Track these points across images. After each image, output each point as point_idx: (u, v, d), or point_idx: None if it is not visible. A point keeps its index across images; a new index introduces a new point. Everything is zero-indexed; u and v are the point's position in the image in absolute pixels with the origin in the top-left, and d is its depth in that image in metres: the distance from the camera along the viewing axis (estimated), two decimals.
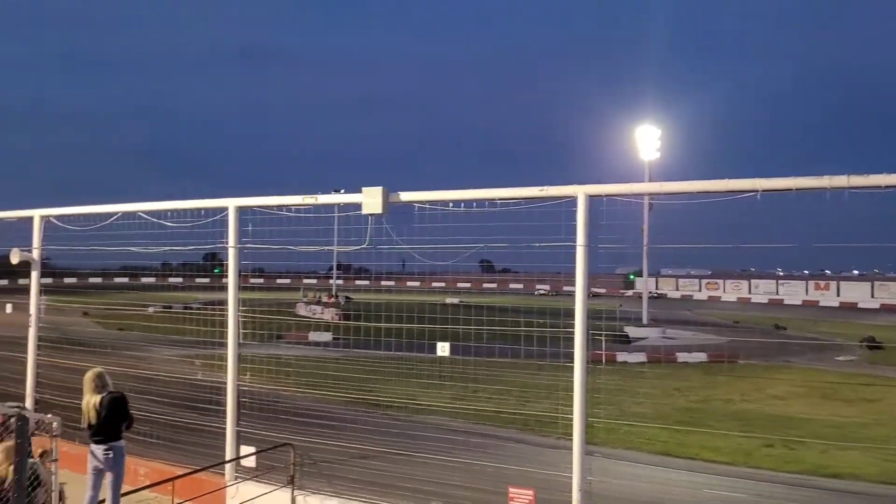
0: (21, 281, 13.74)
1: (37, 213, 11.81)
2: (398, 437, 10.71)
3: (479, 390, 11.92)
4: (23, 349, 12.66)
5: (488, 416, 12.19)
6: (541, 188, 7.84)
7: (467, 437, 11.47)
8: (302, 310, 38.08)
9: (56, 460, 6.70)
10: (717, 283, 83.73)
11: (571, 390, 7.45)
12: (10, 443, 7.55)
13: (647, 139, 49.69)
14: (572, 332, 7.55)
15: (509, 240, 8.53)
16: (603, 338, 8.76)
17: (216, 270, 13.73)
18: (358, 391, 12.30)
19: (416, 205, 8.93)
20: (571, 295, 7.58)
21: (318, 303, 40.14)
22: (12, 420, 7.52)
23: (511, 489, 7.77)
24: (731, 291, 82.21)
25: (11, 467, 6.47)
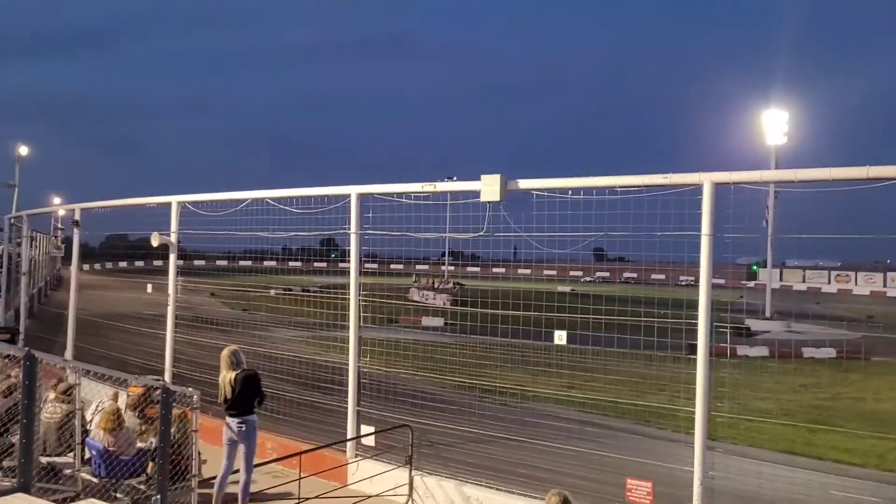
0: (155, 263, 14.68)
1: (174, 200, 12.61)
2: (512, 424, 10.75)
3: (593, 379, 11.80)
4: (160, 327, 13.59)
5: (602, 406, 12.03)
6: (664, 176, 7.66)
7: (582, 426, 11.35)
8: (415, 295, 38.79)
9: (196, 431, 7.19)
10: (847, 276, 78.65)
11: (692, 383, 7.27)
12: (111, 406, 8.14)
13: (774, 124, 46.96)
14: (693, 324, 7.36)
15: (629, 228, 8.39)
16: (729, 330, 8.47)
17: (333, 255, 14.18)
18: (471, 376, 12.42)
19: (535, 192, 8.93)
20: (688, 285, 7.39)
21: (431, 288, 40.72)
22: (155, 391, 8.15)
23: (629, 480, 7.69)
24: (863, 284, 77.03)
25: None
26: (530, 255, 10.65)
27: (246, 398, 7.79)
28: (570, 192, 8.55)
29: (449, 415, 11.06)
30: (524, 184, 8.96)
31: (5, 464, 6.58)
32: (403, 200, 10.25)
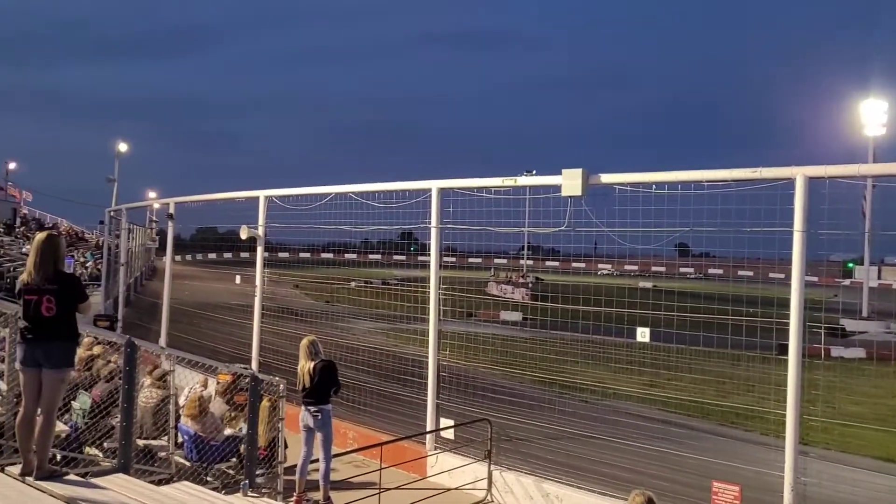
0: (242, 254, 15.13)
1: (262, 194, 12.99)
2: (591, 421, 10.61)
3: (677, 378, 11.51)
4: (247, 316, 14.02)
5: (686, 406, 11.72)
6: (754, 170, 7.40)
7: (664, 426, 11.09)
8: (493, 289, 38.66)
9: (282, 419, 7.40)
10: None
11: (784, 384, 7.01)
12: (194, 394, 8.39)
13: (873, 114, 44.45)
14: (785, 323, 7.09)
15: (717, 224, 8.14)
16: (822, 330, 8.11)
17: (412, 249, 14.29)
18: (550, 372, 12.31)
19: (617, 187, 8.77)
20: (778, 283, 7.11)
21: (510, 282, 40.55)
22: (243, 379, 8.40)
23: (715, 483, 7.48)
24: None
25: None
26: (611, 250, 10.46)
27: (323, 387, 7.95)
28: (654, 187, 8.37)
29: (528, 410, 11.01)
30: (606, 178, 8.82)
31: (106, 445, 6.93)
32: (483, 195, 10.24)
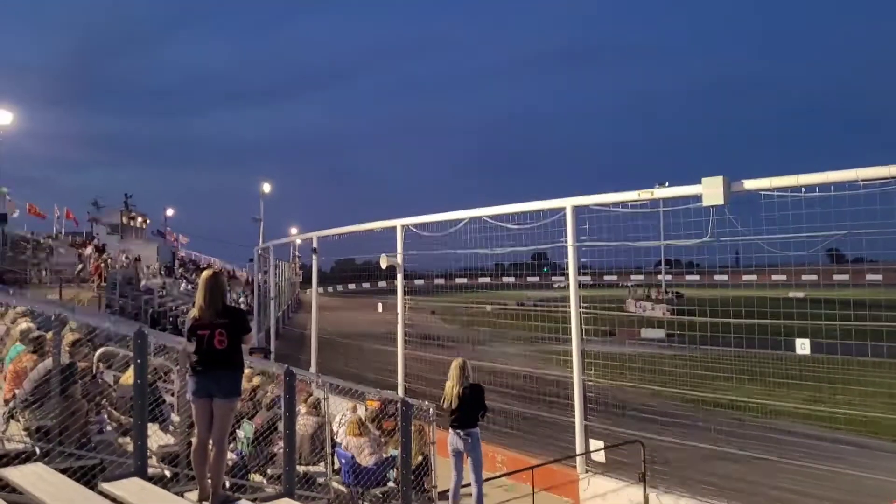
0: (380, 283, 15.55)
1: (399, 223, 13.37)
2: (750, 440, 10.05)
3: (842, 392, 10.73)
4: (388, 343, 14.37)
5: (855, 422, 10.88)
6: None
7: (828, 443, 10.34)
8: (631, 306, 37.64)
9: (433, 443, 7.50)
10: None
11: None
12: (354, 416, 8.57)
13: None
14: None
15: (873, 226, 7.57)
16: None
17: (544, 270, 14.17)
18: (700, 389, 11.81)
19: (763, 192, 8.36)
20: None
21: (648, 299, 39.37)
22: (391, 405, 8.59)
23: None
24: None
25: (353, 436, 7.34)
26: (756, 259, 9.95)
27: (471, 411, 7.98)
28: (803, 190, 7.91)
29: (679, 430, 10.59)
30: (750, 184, 8.43)
31: (269, 471, 7.29)
32: (619, 210, 10.05)
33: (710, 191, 8.61)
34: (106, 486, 4.53)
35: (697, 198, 8.87)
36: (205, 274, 5.33)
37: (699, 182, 8.78)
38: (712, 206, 8.71)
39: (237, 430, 7.66)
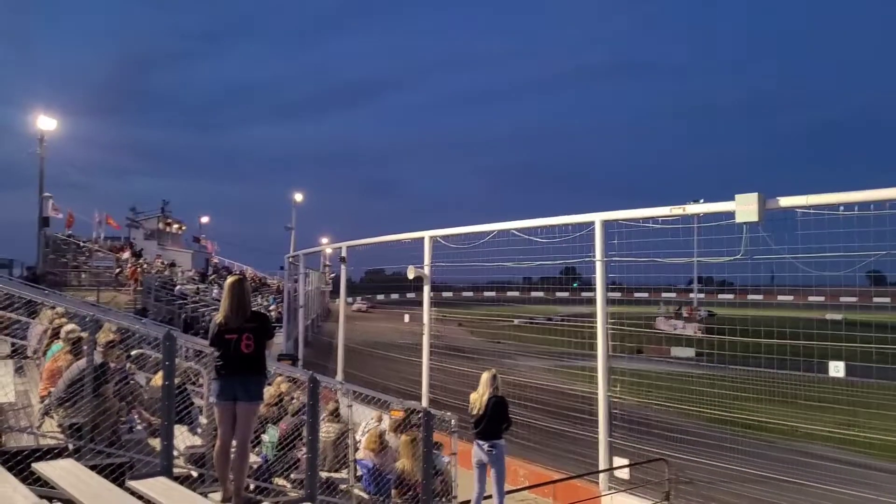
0: (408, 295, 15.58)
1: (427, 234, 13.42)
2: (779, 462, 9.87)
3: (878, 417, 10.51)
4: (414, 354, 14.39)
5: (886, 447, 10.63)
6: None
7: (862, 469, 10.11)
8: (662, 324, 37.18)
9: (454, 454, 7.49)
10: None
11: None
12: (374, 429, 8.58)
13: None
14: None
15: None
16: None
17: (574, 284, 14.10)
18: (729, 410, 11.63)
19: (799, 210, 8.25)
20: None
21: (679, 316, 38.93)
22: (413, 415, 8.60)
23: None
24: None
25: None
26: (791, 279, 9.79)
27: (495, 423, 7.95)
28: (841, 208, 7.79)
29: (706, 450, 10.44)
30: (786, 201, 8.33)
31: (293, 476, 7.34)
32: (650, 226, 9.98)
33: (744, 207, 8.51)
34: (133, 484, 4.61)
35: (731, 215, 8.77)
36: (230, 280, 5.39)
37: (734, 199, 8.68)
38: (746, 224, 8.60)
39: (262, 435, 7.74)
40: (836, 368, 8.26)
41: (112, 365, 6.11)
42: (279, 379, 9.22)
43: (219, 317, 5.21)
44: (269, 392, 8.54)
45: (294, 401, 9.00)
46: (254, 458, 7.37)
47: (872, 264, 8.72)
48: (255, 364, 5.13)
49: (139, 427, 6.49)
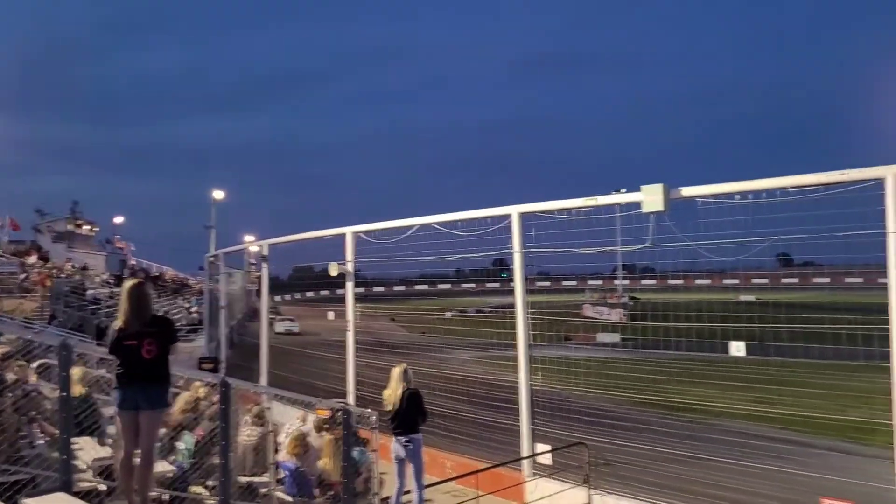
0: (338, 291, 15.49)
1: (348, 230, 13.35)
2: (695, 441, 10.26)
3: (784, 393, 11.03)
4: (344, 352, 14.33)
5: (795, 422, 11.18)
6: (841, 172, 7.11)
7: (770, 443, 10.61)
8: (589, 311, 38.09)
9: (375, 451, 7.52)
10: None
11: (889, 394, 6.64)
12: (295, 432, 8.56)
13: None
14: (886, 330, 6.72)
15: (805, 231, 7.83)
16: None
17: (502, 275, 14.30)
18: (647, 392, 12.02)
19: (700, 200, 8.58)
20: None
21: (605, 304, 39.89)
22: (339, 413, 8.59)
23: (824, 500, 7.11)
24: None
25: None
26: (708, 264, 10.17)
27: (411, 417, 8.04)
28: (737, 197, 8.15)
29: (627, 432, 10.76)
30: (688, 191, 8.64)
31: (210, 483, 7.24)
32: (565, 217, 10.19)
33: (650, 197, 8.78)
34: (28, 502, 4.47)
35: (641, 204, 9.03)
36: (128, 284, 5.24)
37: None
38: (652, 213, 8.88)
39: (177, 443, 7.60)
40: (738, 348, 8.64)
41: (10, 377, 5.90)
42: (197, 384, 9.06)
43: (117, 322, 5.06)
44: (184, 397, 8.38)
45: (213, 406, 8.86)
46: (168, 468, 7.25)
47: (774, 248, 9.14)
48: (158, 371, 5.03)
49: (40, 441, 6.29)
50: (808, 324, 9.56)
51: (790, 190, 7.70)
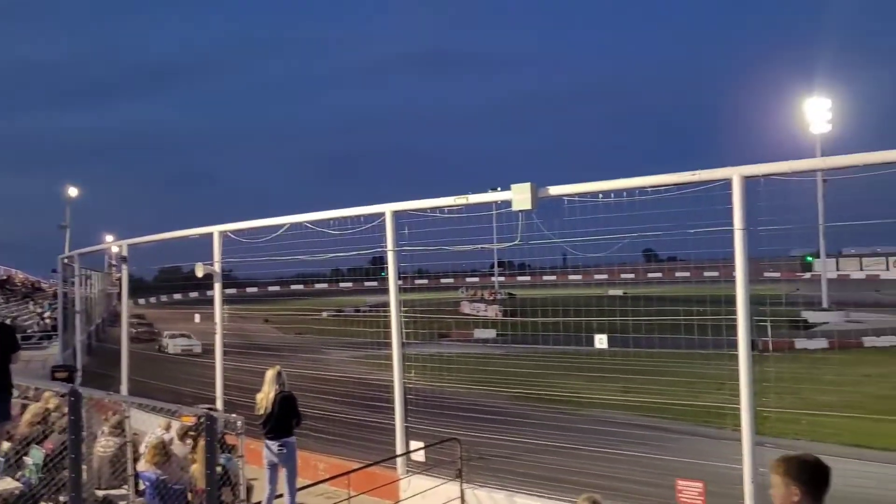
0: (209, 293, 14.94)
1: (215, 230, 12.87)
2: (563, 431, 10.63)
3: (646, 382, 11.61)
4: (213, 356, 13.83)
5: (657, 409, 11.82)
6: (692, 173, 7.55)
7: (634, 430, 11.15)
8: (466, 308, 38.77)
9: (241, 457, 7.29)
10: None
11: (737, 380, 7.12)
12: (155, 440, 8.26)
13: (818, 112, 46.12)
14: (734, 320, 7.21)
15: (663, 228, 8.26)
16: (768, 323, 8.25)
17: (381, 274, 14.26)
18: (520, 386, 12.35)
19: (566, 198, 8.86)
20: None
21: (482, 300, 40.62)
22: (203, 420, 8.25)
23: (679, 482, 7.53)
24: None
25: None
26: (578, 261, 10.54)
27: (284, 420, 7.86)
28: (600, 196, 8.48)
29: (499, 426, 11.00)
30: (555, 190, 8.90)
31: (61, 499, 6.77)
32: (437, 215, 10.27)
33: (519, 196, 8.98)
34: None
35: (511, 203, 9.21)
36: None
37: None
38: (521, 211, 9.09)
39: (25, 458, 7.07)
40: (600, 341, 9.00)
41: None
42: (48, 394, 8.47)
43: None
44: (32, 409, 7.80)
45: (64, 417, 8.30)
46: (15, 484, 6.74)
47: (646, 244, 9.59)
48: None
49: None
50: (666, 316, 10.14)
51: (648, 189, 8.08)
